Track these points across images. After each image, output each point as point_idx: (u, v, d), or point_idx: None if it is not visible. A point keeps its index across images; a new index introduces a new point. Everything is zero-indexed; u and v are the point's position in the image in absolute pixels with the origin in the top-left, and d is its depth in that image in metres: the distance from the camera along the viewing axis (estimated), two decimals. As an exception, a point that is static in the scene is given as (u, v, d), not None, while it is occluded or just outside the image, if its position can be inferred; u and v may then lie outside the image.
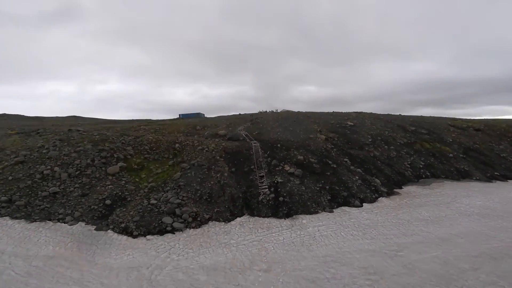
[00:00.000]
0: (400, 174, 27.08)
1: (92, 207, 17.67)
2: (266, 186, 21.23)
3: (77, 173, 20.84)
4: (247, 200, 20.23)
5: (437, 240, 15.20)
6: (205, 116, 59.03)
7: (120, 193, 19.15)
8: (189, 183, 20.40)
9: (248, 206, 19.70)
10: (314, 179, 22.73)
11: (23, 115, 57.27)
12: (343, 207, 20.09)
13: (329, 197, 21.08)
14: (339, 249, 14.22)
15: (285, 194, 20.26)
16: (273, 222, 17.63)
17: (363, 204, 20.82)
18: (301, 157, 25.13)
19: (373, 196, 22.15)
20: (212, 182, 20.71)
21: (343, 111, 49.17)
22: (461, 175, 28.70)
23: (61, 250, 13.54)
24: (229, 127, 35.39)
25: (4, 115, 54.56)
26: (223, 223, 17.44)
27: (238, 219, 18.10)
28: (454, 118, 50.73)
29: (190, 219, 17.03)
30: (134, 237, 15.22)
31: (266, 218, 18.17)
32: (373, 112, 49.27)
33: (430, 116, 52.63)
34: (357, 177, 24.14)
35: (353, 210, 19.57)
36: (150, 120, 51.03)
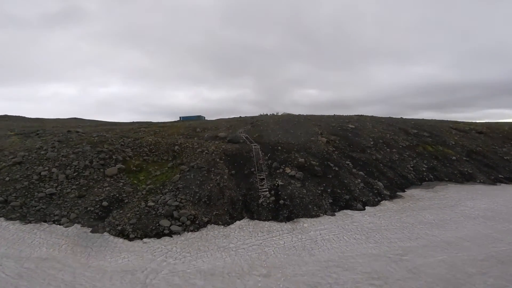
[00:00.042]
0: (403, 177, 26.64)
1: (88, 208, 17.33)
2: (267, 189, 20.84)
3: (74, 174, 20.55)
4: (247, 203, 19.83)
5: (442, 243, 14.81)
6: (206, 119, 58.93)
7: (117, 195, 18.81)
8: (188, 185, 20.05)
9: (248, 209, 19.29)
10: (315, 182, 22.33)
11: (24, 117, 57.32)
12: (345, 211, 19.64)
13: (330, 200, 20.65)
14: (341, 253, 13.79)
15: (285, 197, 19.85)
16: (274, 225, 17.20)
17: (366, 207, 20.37)
18: (302, 159, 24.77)
19: (376, 199, 21.70)
20: (211, 185, 20.35)
21: (344, 114, 48.92)
22: (465, 178, 28.27)
23: (54, 252, 13.20)
24: (230, 129, 35.15)
25: (5, 116, 54.64)
26: (222, 226, 17.03)
27: (238, 222, 17.69)
28: (456, 121, 50.38)
29: (188, 222, 16.64)
30: (131, 240, 14.83)
31: (266, 222, 17.74)
32: (374, 115, 48.97)
33: (431, 119, 52.30)
34: (359, 180, 23.72)
35: (356, 214, 19.12)
36: (150, 122, 50.91)
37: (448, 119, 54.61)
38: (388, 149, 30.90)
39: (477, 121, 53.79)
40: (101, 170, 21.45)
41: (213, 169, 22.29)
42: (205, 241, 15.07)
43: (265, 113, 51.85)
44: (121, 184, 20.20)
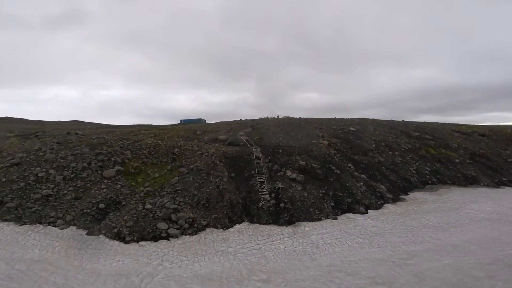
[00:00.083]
0: (405, 180, 26.19)
1: (85, 210, 16.99)
2: (267, 192, 20.45)
3: (72, 176, 20.28)
4: (246, 206, 19.43)
5: (448, 247, 14.41)
6: (207, 122, 58.81)
7: (114, 197, 18.47)
8: (186, 188, 19.71)
9: (248, 212, 18.88)
10: (316, 185, 21.93)
11: (25, 119, 57.38)
12: (347, 214, 19.19)
13: (332, 204, 20.21)
14: (344, 258, 13.34)
15: (286, 200, 19.44)
16: (274, 229, 16.76)
17: (369, 210, 19.90)
18: (303, 162, 24.42)
19: (379, 203, 21.24)
20: (210, 187, 19.99)
21: (345, 117, 48.63)
22: (468, 181, 27.85)
23: (47, 254, 12.85)
24: (230, 132, 34.92)
25: (6, 118, 54.74)
26: (221, 230, 16.61)
27: (237, 226, 17.27)
28: (458, 124, 50.00)
29: (186, 225, 16.24)
30: (127, 242, 14.43)
31: (266, 225, 17.31)
32: (375, 118, 48.66)
33: (433, 122, 51.96)
34: (361, 183, 23.29)
35: (358, 217, 18.66)
36: (151, 125, 50.83)
37: (450, 122, 54.17)
38: (390, 152, 30.52)
39: (479, 124, 53.36)
40: (99, 172, 21.18)
41: (212, 171, 21.96)
42: (203, 245, 14.65)
43: (265, 116, 51.68)
44: (119, 186, 19.88)
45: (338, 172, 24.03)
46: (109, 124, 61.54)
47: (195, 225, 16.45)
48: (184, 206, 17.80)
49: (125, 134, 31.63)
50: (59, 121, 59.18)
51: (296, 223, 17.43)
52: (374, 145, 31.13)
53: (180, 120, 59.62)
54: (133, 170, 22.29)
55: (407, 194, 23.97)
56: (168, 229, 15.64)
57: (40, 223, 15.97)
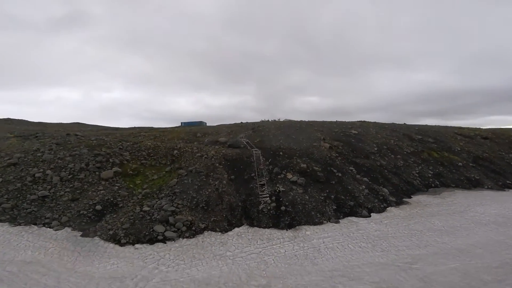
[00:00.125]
0: (408, 183, 25.73)
1: (81, 212, 16.62)
2: (267, 195, 20.04)
3: (69, 177, 19.96)
4: (246, 209, 19.01)
5: (453, 251, 14.01)
6: (207, 125, 58.63)
7: (112, 199, 18.12)
8: (185, 190, 19.34)
9: (248, 215, 18.45)
10: (318, 188, 21.51)
11: (27, 121, 57.39)
12: (349, 217, 18.73)
13: (334, 207, 19.77)
14: (347, 262, 12.89)
15: (287, 203, 19.02)
16: (274, 233, 16.32)
17: (371, 214, 19.44)
18: (304, 165, 24.04)
19: (382, 206, 20.77)
20: (209, 190, 19.61)
21: (346, 121, 48.29)
22: (472, 184, 27.42)
23: (40, 255, 12.47)
24: (230, 134, 34.65)
25: (8, 119, 54.77)
26: (219, 233, 16.18)
27: (236, 229, 16.83)
28: (461, 127, 49.57)
29: (184, 228, 15.83)
30: (122, 245, 14.01)
31: (266, 229, 16.87)
32: (376, 121, 48.28)
33: (435, 125, 51.55)
34: (363, 186, 22.86)
35: (361, 221, 18.20)
36: (151, 127, 50.69)
37: (452, 126, 53.73)
38: (392, 155, 30.11)
39: (482, 127, 52.83)
40: (97, 173, 20.86)
41: (212, 174, 21.60)
42: (201, 248, 14.22)
43: (266, 119, 51.47)
44: (116, 187, 19.54)
45: (340, 175, 23.62)
46: (110, 126, 61.51)
47: (193, 228, 16.03)
48: (182, 208, 17.41)
49: (125, 136, 31.42)
50: (60, 123, 59.21)
51: (297, 227, 16.99)
52: (376, 148, 30.75)
53: (181, 123, 59.52)
54: (131, 172, 21.97)
55: (410, 198, 23.51)
56: (165, 231, 15.23)
57: (35, 224, 15.61)
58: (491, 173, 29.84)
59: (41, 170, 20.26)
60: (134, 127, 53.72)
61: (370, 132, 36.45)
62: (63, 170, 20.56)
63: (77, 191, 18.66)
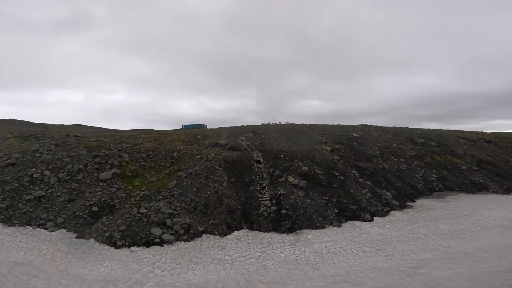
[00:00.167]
0: (412, 187, 25.25)
1: (77, 213, 16.29)
2: (268, 198, 19.62)
3: (67, 177, 19.70)
4: (246, 212, 18.59)
5: (460, 255, 13.57)
6: (208, 127, 58.48)
7: (109, 200, 17.79)
8: (184, 192, 18.98)
9: (247, 218, 18.02)
10: (320, 192, 21.07)
11: (29, 122, 57.48)
12: (352, 221, 18.25)
13: (336, 211, 19.29)
14: (349, 267, 12.41)
15: (288, 207, 18.58)
16: (275, 237, 15.87)
17: (374, 218, 18.95)
18: (306, 168, 23.64)
19: (385, 210, 20.28)
20: (209, 192, 19.24)
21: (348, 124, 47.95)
22: (476, 188, 26.96)
23: (32, 257, 12.13)
24: (231, 137, 34.38)
25: (10, 120, 54.89)
26: (218, 236, 15.75)
27: (236, 232, 16.40)
28: (463, 130, 49.09)
29: (181, 231, 15.42)
30: (117, 247, 13.62)
31: (266, 233, 16.42)
32: (378, 125, 47.91)
33: (438, 129, 51.12)
34: (366, 190, 22.39)
35: (364, 225, 17.71)
36: (152, 130, 50.58)
37: (454, 129, 53.18)
38: (395, 159, 29.67)
39: (484, 131, 52.30)
40: (95, 174, 20.59)
41: (211, 176, 21.25)
42: (199, 252, 13.79)
43: (267, 122, 51.27)
44: (114, 189, 19.22)
45: (342, 178, 23.19)
46: (111, 128, 61.49)
47: (191, 231, 15.63)
48: (180, 211, 17.03)
49: (125, 138, 31.24)
50: (62, 125, 59.25)
51: (298, 231, 16.55)
52: (378, 152, 30.34)
53: (182, 126, 59.45)
54: (130, 173, 21.67)
55: (414, 201, 23.02)
56: (162, 234, 14.84)
57: (29, 225, 15.32)
58: (495, 177, 29.37)
59: (39, 170, 20.03)
60: (135, 129, 53.66)
61: (372, 135, 36.09)
62: (61, 171, 20.31)
63: (74, 192, 18.37)
